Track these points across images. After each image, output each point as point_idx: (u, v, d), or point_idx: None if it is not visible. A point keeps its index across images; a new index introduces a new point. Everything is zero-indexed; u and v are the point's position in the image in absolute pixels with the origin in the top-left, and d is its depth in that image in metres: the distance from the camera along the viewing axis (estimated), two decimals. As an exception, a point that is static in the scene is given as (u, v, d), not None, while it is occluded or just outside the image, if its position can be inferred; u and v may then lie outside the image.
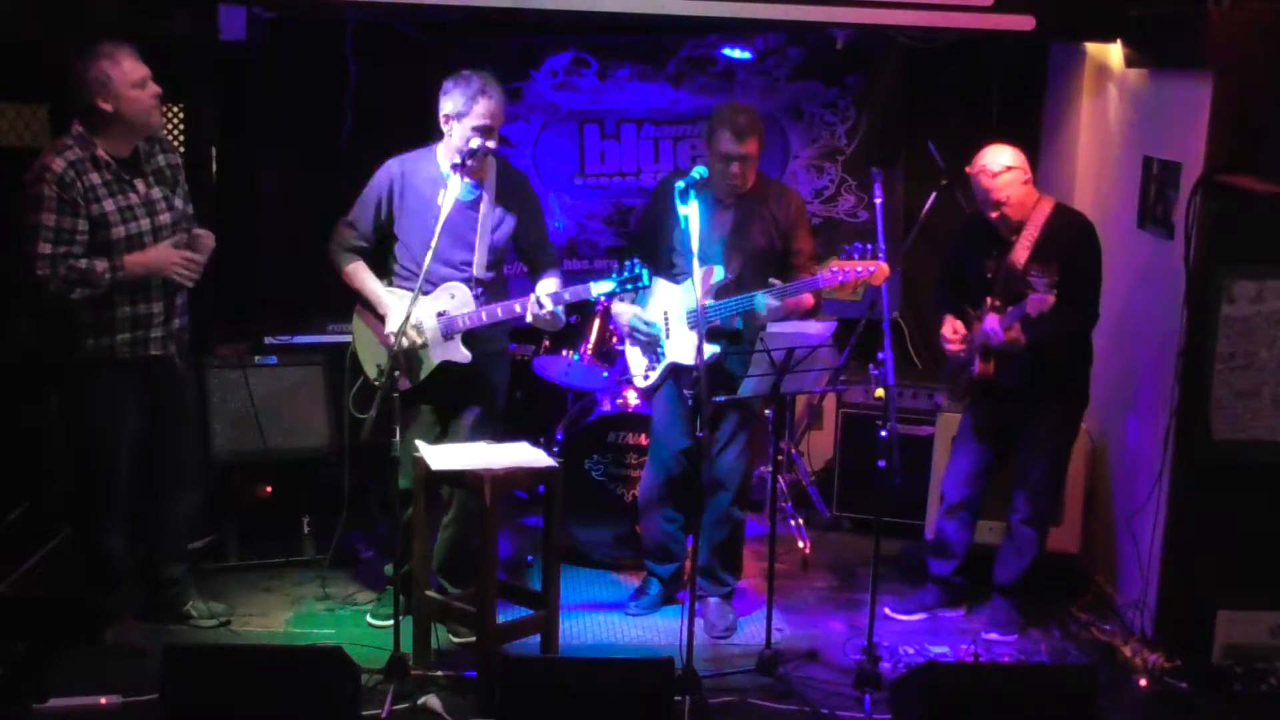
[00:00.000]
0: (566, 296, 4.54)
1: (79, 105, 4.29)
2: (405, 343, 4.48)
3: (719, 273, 4.70)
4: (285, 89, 5.89)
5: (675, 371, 4.87)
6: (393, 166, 4.64)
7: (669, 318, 4.84)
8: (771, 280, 4.66)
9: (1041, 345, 4.64)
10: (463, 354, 4.59)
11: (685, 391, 4.85)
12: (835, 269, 4.57)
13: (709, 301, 4.65)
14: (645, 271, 4.44)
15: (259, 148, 5.89)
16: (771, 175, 6.30)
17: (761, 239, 4.76)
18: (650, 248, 4.84)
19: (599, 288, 4.48)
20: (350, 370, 4.69)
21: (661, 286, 4.84)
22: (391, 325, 4.52)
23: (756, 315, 4.65)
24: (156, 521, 4.74)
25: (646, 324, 4.85)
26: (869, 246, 4.60)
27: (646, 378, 4.94)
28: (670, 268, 4.84)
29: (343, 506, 4.99)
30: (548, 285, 4.63)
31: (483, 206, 4.61)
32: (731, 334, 4.78)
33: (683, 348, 4.79)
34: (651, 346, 4.89)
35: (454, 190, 4.38)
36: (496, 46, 5.79)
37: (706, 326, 4.61)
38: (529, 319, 4.54)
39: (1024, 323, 4.57)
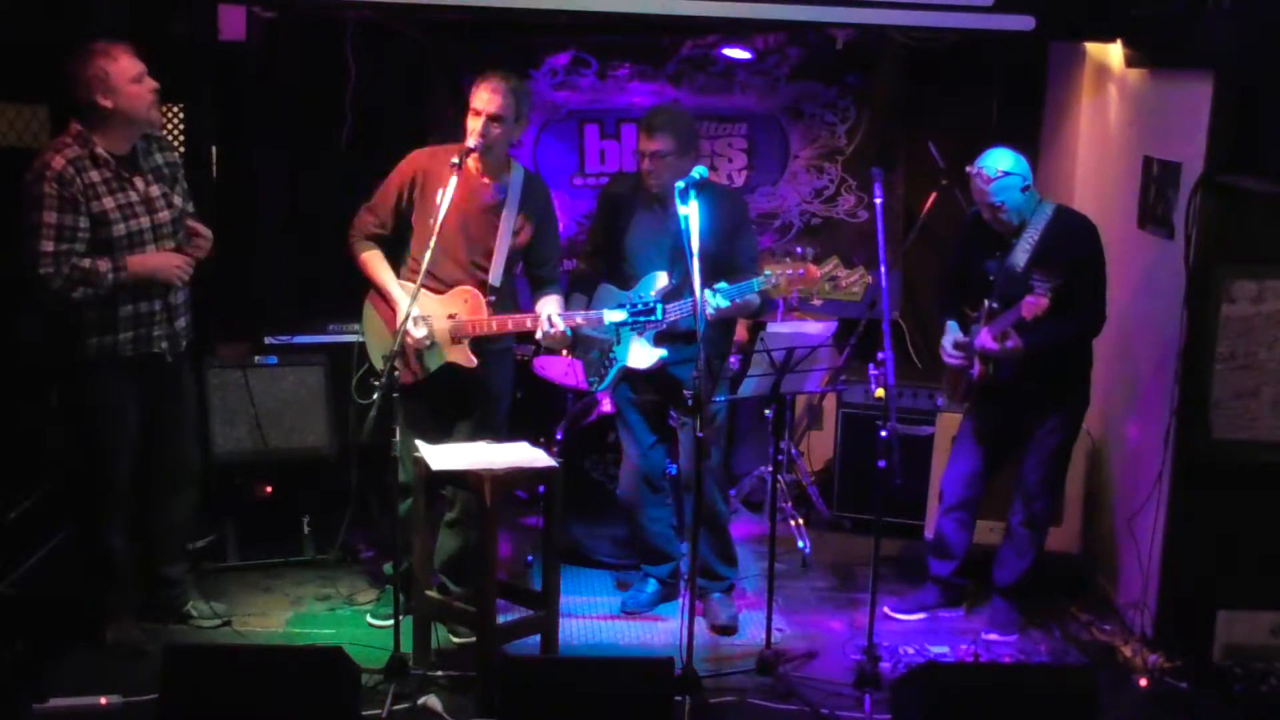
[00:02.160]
0: (579, 320, 4.58)
1: (77, 104, 4.29)
2: (411, 340, 4.49)
3: (664, 278, 4.71)
4: (285, 89, 5.89)
5: (625, 375, 4.90)
6: (420, 157, 4.63)
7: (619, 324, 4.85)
8: (720, 283, 4.65)
9: (1046, 350, 4.64)
10: (469, 359, 4.59)
11: (637, 396, 4.92)
12: (769, 273, 4.61)
13: (659, 305, 4.70)
14: (660, 307, 4.49)
15: (259, 148, 5.88)
16: (771, 175, 6.34)
17: (705, 242, 4.74)
18: (600, 255, 4.86)
19: (612, 316, 4.52)
20: (357, 356, 4.69)
21: (612, 293, 4.86)
22: (398, 321, 4.51)
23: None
24: (156, 521, 4.73)
25: (600, 333, 4.88)
26: (800, 250, 4.64)
27: (598, 381, 4.97)
28: (619, 274, 4.86)
29: (346, 505, 4.99)
30: (550, 304, 4.64)
31: (504, 212, 4.61)
32: (682, 336, 4.78)
33: (634, 353, 4.82)
34: (604, 353, 4.90)
35: (452, 188, 4.38)
36: (496, 46, 5.79)
37: (655, 333, 4.73)
38: (539, 337, 4.55)
39: (1021, 328, 4.58)
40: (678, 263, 4.71)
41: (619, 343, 4.86)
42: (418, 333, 4.53)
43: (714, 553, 5.04)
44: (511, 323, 4.56)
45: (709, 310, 4.51)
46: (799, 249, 4.67)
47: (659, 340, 4.78)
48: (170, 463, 4.69)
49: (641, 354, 4.81)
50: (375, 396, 4.21)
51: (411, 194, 4.60)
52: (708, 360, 4.59)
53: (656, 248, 4.72)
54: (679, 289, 4.71)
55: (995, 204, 4.68)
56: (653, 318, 4.51)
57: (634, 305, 4.52)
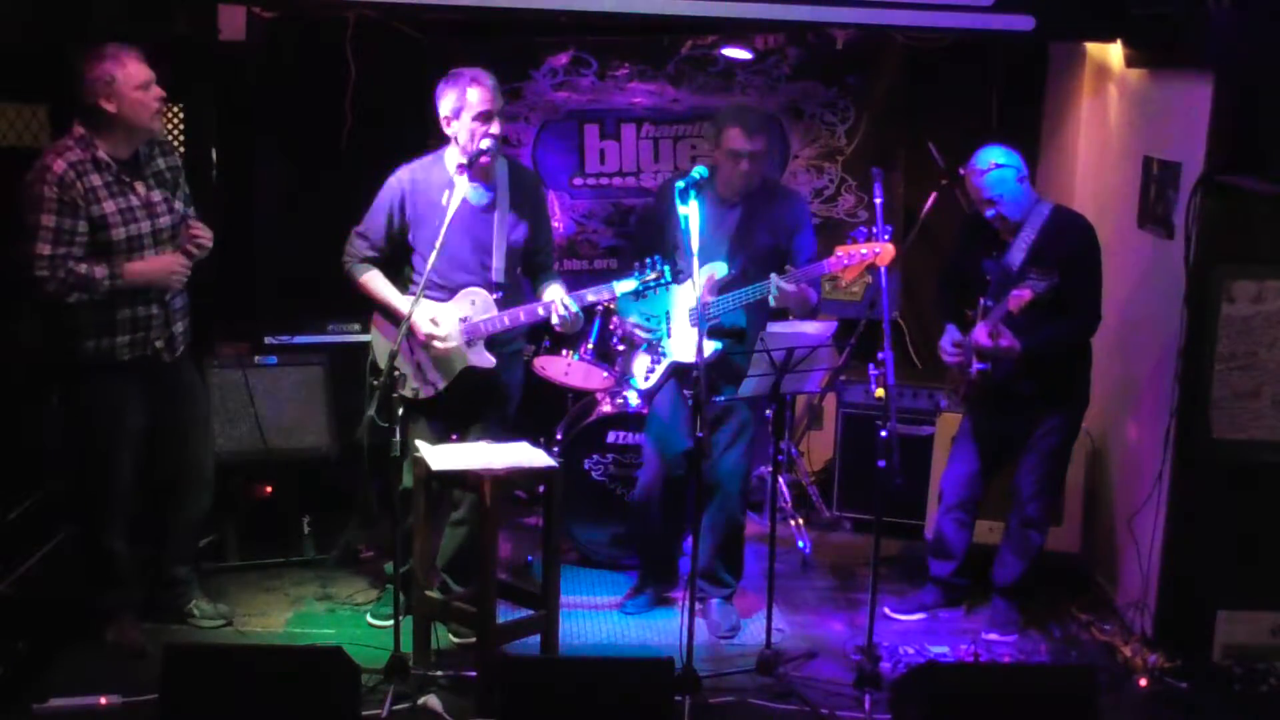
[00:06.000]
0: (590, 297, 4.57)
1: (81, 105, 4.29)
2: (438, 342, 4.49)
3: (722, 269, 4.71)
4: (285, 89, 5.89)
5: (677, 371, 4.88)
6: (401, 176, 4.62)
7: (671, 317, 4.85)
8: (786, 268, 4.65)
9: (1043, 352, 4.64)
10: (488, 359, 4.59)
11: (685, 392, 4.85)
12: (840, 254, 4.58)
13: (713, 298, 4.68)
14: (667, 268, 4.47)
15: (259, 148, 5.89)
16: (771, 175, 6.33)
17: (766, 237, 4.77)
18: (650, 248, 4.84)
19: (622, 286, 4.50)
20: (371, 379, 4.58)
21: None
22: (401, 327, 4.48)
23: (767, 301, 4.66)
24: (170, 523, 4.73)
25: (648, 325, 4.86)
26: (872, 230, 4.60)
27: (648, 378, 4.94)
28: (673, 267, 4.85)
29: (347, 506, 4.98)
30: (555, 290, 4.63)
31: (498, 210, 4.60)
32: (736, 333, 4.78)
33: (685, 346, 4.80)
34: (654, 347, 4.90)
35: (460, 192, 4.38)
36: (496, 46, 5.79)
37: (710, 324, 4.67)
38: (555, 322, 4.53)
39: (1016, 328, 4.58)
40: (736, 257, 4.73)
41: (669, 336, 4.85)
42: (441, 332, 4.51)
43: (723, 560, 5.03)
44: (524, 314, 4.55)
45: (774, 293, 4.56)
46: (871, 229, 4.59)
47: (714, 334, 4.74)
48: (182, 465, 4.69)
49: (694, 347, 4.76)
50: (374, 402, 4.18)
51: (403, 214, 4.59)
52: (725, 357, 4.61)
53: (715, 242, 4.70)
54: (734, 281, 4.71)
55: (993, 198, 4.69)
56: (663, 280, 4.48)
57: (642, 272, 4.48)
